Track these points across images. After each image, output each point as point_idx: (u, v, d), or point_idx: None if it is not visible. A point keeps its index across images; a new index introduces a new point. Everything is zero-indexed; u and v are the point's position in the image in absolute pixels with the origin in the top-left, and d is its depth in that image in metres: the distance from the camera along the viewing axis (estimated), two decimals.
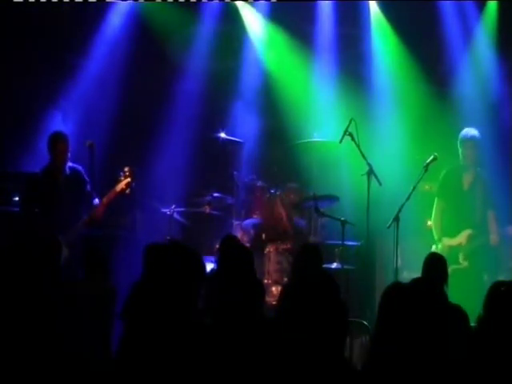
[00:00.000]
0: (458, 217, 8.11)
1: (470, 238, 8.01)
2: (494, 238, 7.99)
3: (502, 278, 7.67)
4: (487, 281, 8.01)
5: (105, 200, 7.67)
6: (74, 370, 3.63)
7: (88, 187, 7.79)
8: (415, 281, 3.30)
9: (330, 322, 3.32)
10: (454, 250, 7.88)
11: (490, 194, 8.15)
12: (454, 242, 8.05)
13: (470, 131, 8.17)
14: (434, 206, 8.27)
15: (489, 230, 8.04)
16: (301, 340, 3.30)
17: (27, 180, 7.91)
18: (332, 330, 3.32)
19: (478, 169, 8.22)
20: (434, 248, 8.10)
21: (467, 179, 8.18)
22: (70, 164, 7.80)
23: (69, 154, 7.75)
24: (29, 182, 7.83)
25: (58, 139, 7.74)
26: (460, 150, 8.18)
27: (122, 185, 7.72)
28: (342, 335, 3.38)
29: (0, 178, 8.67)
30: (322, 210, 7.99)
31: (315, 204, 7.90)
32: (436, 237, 8.18)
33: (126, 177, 7.75)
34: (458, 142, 8.21)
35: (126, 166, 7.82)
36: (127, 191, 7.76)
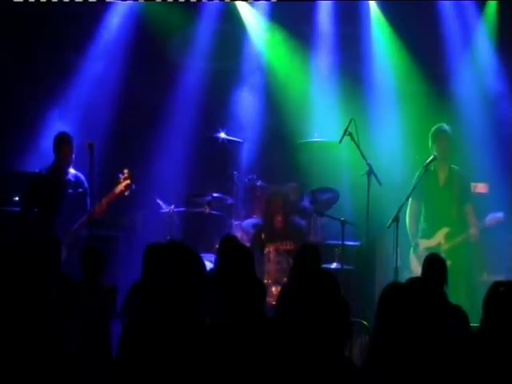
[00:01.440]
0: (435, 215, 8.09)
1: (448, 236, 7.98)
2: (473, 232, 7.94)
3: (501, 278, 7.66)
4: (474, 277, 8.03)
5: (104, 201, 7.68)
6: (73, 369, 3.63)
7: (87, 198, 7.81)
8: (412, 280, 3.30)
9: (329, 322, 3.33)
10: (434, 250, 7.78)
11: (466, 188, 8.14)
12: (432, 242, 8.00)
13: (443, 125, 8.19)
14: (408, 209, 8.09)
15: (467, 225, 8.01)
16: (301, 340, 3.30)
17: (29, 179, 7.92)
18: (332, 329, 3.33)
19: (452, 165, 8.19)
20: (411, 252, 8.05)
21: (442, 176, 8.16)
22: (73, 171, 7.84)
23: (73, 156, 7.79)
24: (31, 181, 7.85)
25: (63, 141, 7.79)
26: (434, 145, 8.10)
27: (121, 187, 7.74)
28: (342, 334, 3.38)
29: (0, 178, 8.68)
30: (321, 201, 7.99)
31: (315, 204, 7.91)
32: (412, 241, 8.11)
33: (125, 179, 7.76)
34: (431, 137, 8.14)
35: (126, 167, 7.83)
36: (126, 193, 7.77)
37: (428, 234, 8.08)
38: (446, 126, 8.19)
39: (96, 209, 7.62)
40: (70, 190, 7.80)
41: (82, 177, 7.87)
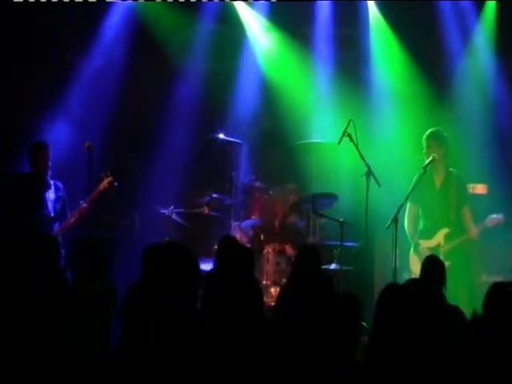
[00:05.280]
0: (434, 218, 8.00)
1: (448, 237, 7.91)
2: (472, 232, 7.86)
3: (501, 278, 7.67)
4: (473, 278, 8.01)
5: (88, 200, 7.76)
6: (73, 369, 3.63)
7: (65, 206, 7.94)
8: (410, 282, 3.31)
9: (327, 323, 3.33)
10: (434, 251, 7.71)
11: (463, 191, 8.06)
12: (432, 243, 7.93)
13: (433, 130, 7.99)
14: (407, 211, 8.03)
15: (465, 227, 7.93)
16: (299, 341, 3.31)
17: (15, 179, 8.01)
18: (330, 330, 3.33)
19: (450, 169, 8.08)
20: (411, 252, 8.02)
21: (438, 179, 8.05)
22: (51, 181, 7.91)
23: (49, 164, 7.85)
24: (16, 182, 7.96)
25: (37, 149, 7.96)
26: (426, 149, 7.94)
27: (104, 184, 7.81)
28: (342, 335, 3.39)
29: None
30: (320, 211, 8.00)
31: (314, 204, 7.91)
32: (412, 241, 8.05)
33: (107, 176, 7.83)
34: (424, 141, 7.99)
35: (111, 166, 7.93)
36: (110, 189, 7.85)
37: (427, 236, 8.04)
38: (431, 130, 7.98)
39: (81, 208, 7.71)
40: (49, 194, 7.87)
41: (60, 185, 7.99)
